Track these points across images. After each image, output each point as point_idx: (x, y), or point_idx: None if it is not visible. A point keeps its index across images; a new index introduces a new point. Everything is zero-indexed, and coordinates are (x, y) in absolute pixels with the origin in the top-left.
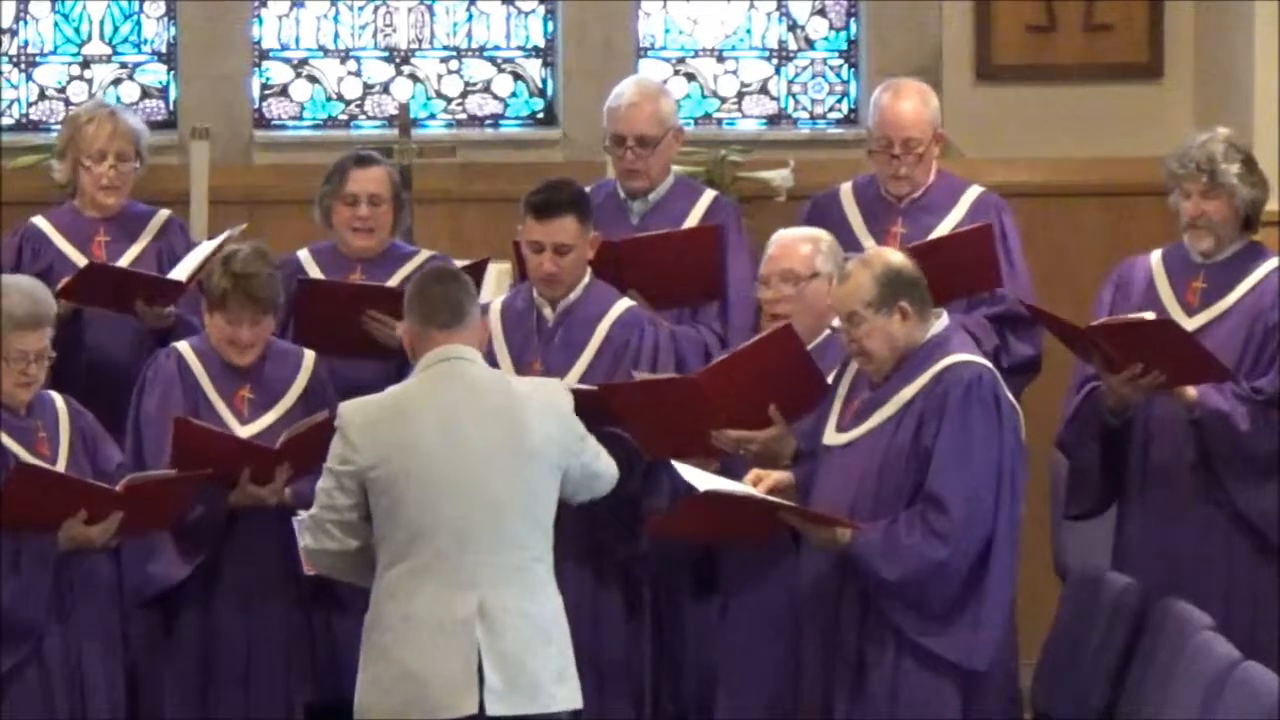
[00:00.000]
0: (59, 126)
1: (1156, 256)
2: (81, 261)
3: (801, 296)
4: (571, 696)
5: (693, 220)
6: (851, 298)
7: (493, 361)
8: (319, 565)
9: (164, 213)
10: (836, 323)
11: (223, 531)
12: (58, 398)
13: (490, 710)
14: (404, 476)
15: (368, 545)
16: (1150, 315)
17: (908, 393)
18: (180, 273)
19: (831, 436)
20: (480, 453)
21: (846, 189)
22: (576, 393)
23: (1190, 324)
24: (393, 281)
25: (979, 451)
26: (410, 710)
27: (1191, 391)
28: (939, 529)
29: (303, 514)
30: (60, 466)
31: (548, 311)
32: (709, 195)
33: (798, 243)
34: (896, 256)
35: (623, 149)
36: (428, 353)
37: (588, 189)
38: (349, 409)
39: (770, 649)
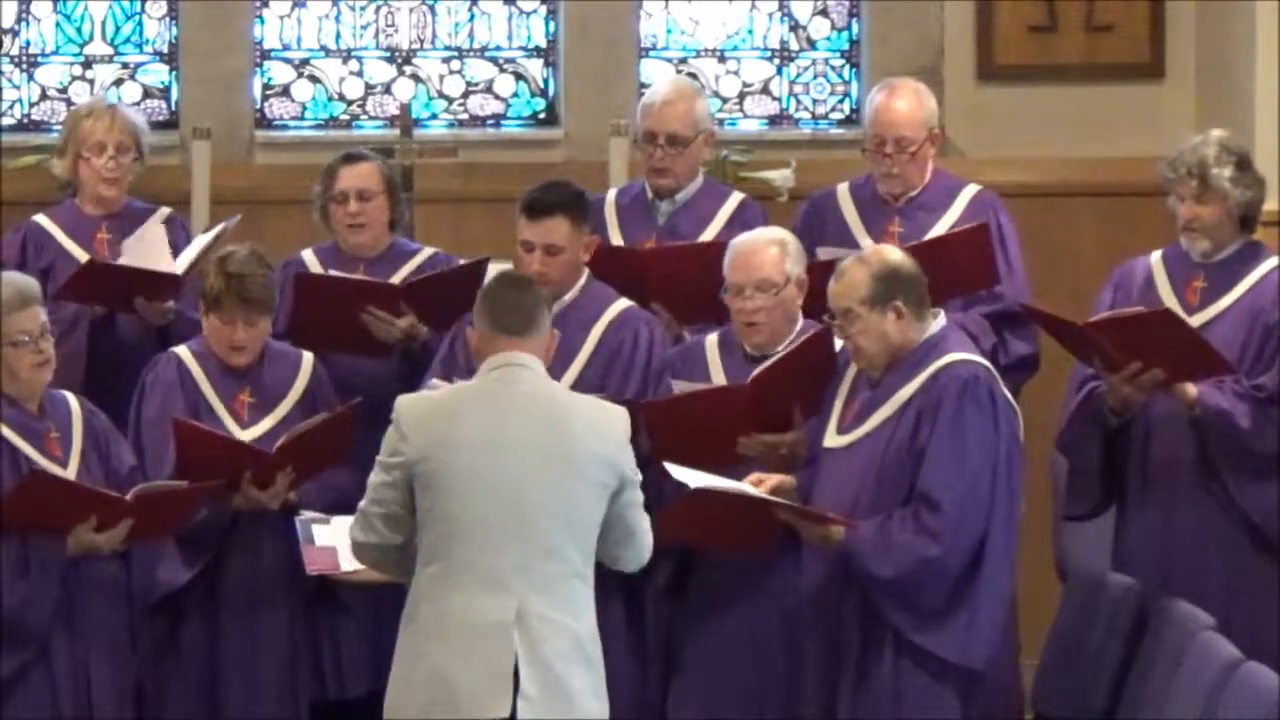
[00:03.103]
0: (61, 127)
1: (1157, 256)
2: (84, 258)
3: (778, 304)
4: (601, 711)
5: (720, 221)
6: (846, 294)
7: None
8: (364, 559)
9: (164, 210)
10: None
11: (225, 535)
12: (71, 398)
13: (522, 714)
14: (446, 473)
15: (411, 542)
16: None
17: (905, 393)
18: (177, 266)
19: (832, 439)
20: (522, 458)
21: (843, 189)
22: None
23: (1190, 323)
24: (395, 280)
25: (973, 450)
26: (439, 709)
27: (1191, 390)
28: (931, 527)
29: (305, 514)
30: (71, 468)
31: None
32: (736, 197)
33: (765, 248)
34: (895, 255)
35: (653, 146)
36: (491, 356)
37: (613, 191)
38: (405, 401)
39: (776, 647)
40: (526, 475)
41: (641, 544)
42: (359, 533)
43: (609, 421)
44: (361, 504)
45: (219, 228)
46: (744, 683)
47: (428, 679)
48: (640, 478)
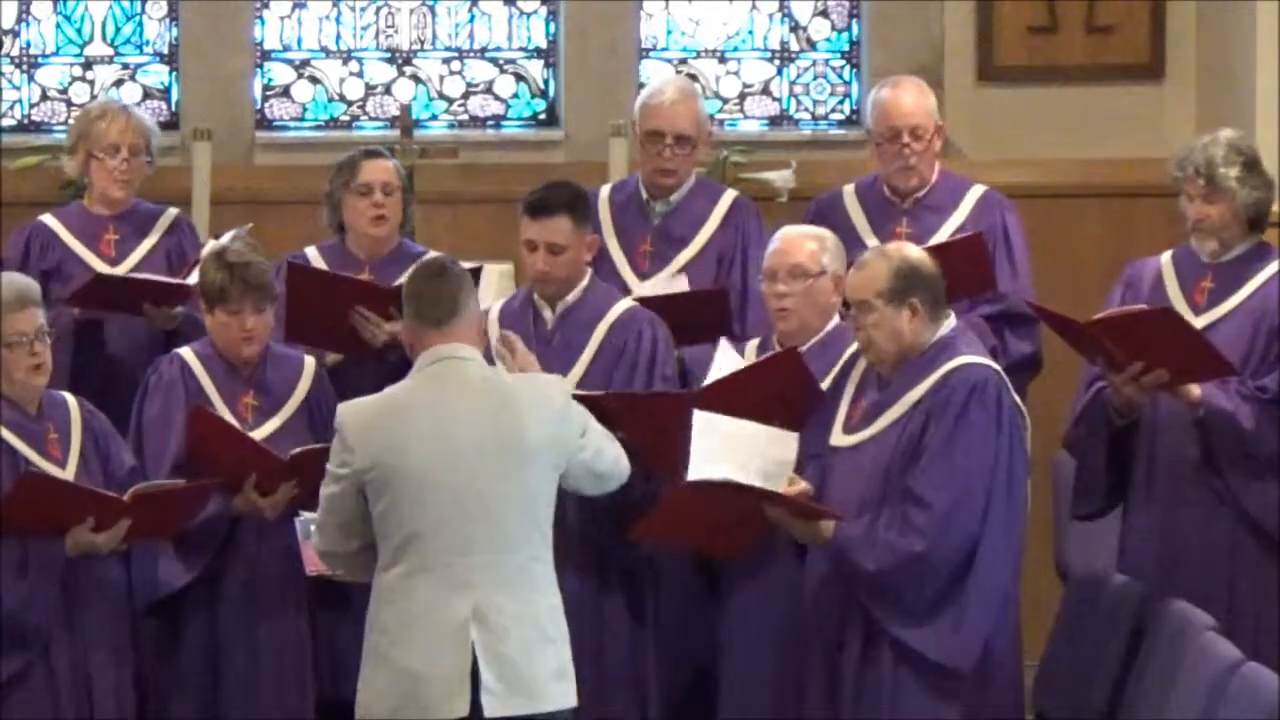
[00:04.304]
0: (61, 127)
1: (1167, 257)
2: (90, 259)
3: (808, 293)
4: (568, 693)
5: (715, 220)
6: (865, 286)
7: (492, 363)
8: (330, 565)
9: (172, 211)
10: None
11: (224, 536)
12: (70, 399)
13: (488, 712)
14: (398, 478)
15: (370, 545)
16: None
17: (915, 394)
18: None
19: (838, 438)
20: (474, 453)
21: (849, 190)
22: (581, 399)
23: (1196, 323)
24: (399, 282)
25: (971, 453)
26: (404, 710)
27: (1195, 390)
28: (917, 524)
29: (305, 514)
30: (70, 469)
31: (547, 313)
32: (730, 196)
33: (804, 239)
34: (916, 252)
35: (659, 146)
36: (425, 351)
37: (607, 187)
38: (346, 410)
39: (772, 649)
40: (481, 471)
41: (616, 471)
42: (320, 542)
43: (548, 393)
44: (317, 514)
45: (229, 235)
46: (765, 681)
47: (393, 680)
48: (586, 427)
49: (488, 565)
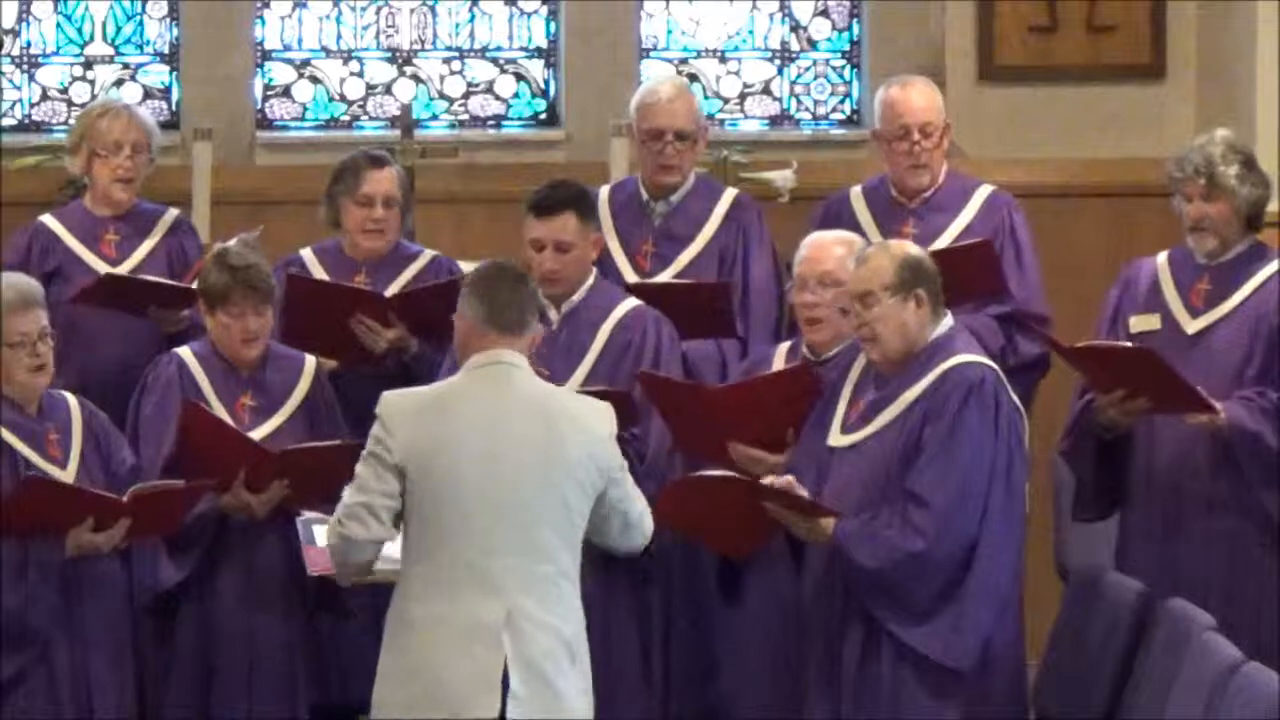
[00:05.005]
0: (61, 127)
1: (1163, 258)
2: (91, 260)
3: (839, 300)
4: (590, 709)
5: (715, 220)
6: (870, 279)
7: None
8: (354, 558)
9: (173, 211)
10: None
11: (214, 534)
12: (71, 398)
13: (511, 714)
14: (436, 472)
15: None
16: (1131, 344)
17: (912, 394)
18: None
19: (836, 439)
20: (514, 459)
21: (856, 192)
22: (603, 393)
23: (1194, 325)
24: (397, 284)
25: (969, 451)
26: (427, 709)
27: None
28: (917, 523)
29: (306, 514)
30: (70, 469)
31: (552, 313)
32: (730, 195)
33: (833, 245)
34: (915, 248)
35: (661, 144)
36: (479, 352)
37: (606, 188)
38: (392, 397)
39: (772, 649)
40: (520, 477)
41: (642, 526)
42: (346, 529)
43: (595, 419)
44: (350, 500)
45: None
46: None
47: (416, 678)
48: (625, 465)
49: (516, 570)
